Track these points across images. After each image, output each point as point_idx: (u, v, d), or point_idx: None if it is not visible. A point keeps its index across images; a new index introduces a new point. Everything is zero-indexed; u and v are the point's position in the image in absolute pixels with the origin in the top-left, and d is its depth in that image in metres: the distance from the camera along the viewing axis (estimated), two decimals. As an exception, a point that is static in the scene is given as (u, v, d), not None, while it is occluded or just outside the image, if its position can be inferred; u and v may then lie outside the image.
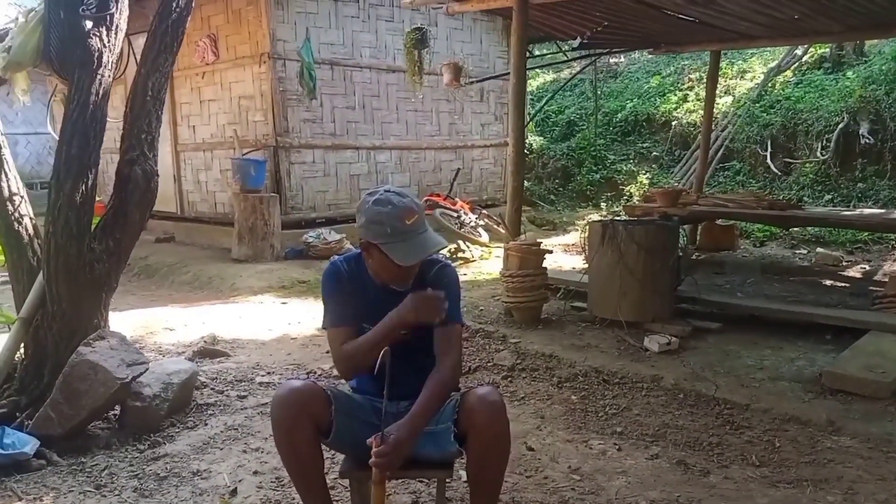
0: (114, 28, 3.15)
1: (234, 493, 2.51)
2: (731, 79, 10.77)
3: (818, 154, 8.75)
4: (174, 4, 3.24)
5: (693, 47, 7.21)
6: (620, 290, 4.22)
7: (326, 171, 7.48)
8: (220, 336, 4.49)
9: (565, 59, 7.94)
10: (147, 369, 3.05)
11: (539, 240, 5.12)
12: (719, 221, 6.92)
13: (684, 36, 6.42)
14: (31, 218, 3.30)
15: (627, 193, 10.00)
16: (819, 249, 6.91)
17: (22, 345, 3.16)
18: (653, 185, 9.75)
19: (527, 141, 7.45)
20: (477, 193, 8.93)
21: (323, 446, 1.95)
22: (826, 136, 8.74)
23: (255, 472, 2.66)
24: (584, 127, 11.65)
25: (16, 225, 3.24)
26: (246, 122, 7.35)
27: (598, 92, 11.91)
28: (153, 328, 4.76)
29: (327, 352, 4.13)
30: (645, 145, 10.88)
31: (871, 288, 5.04)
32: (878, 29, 5.77)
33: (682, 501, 2.43)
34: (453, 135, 8.69)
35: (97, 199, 3.19)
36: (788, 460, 2.72)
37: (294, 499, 2.44)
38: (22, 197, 3.27)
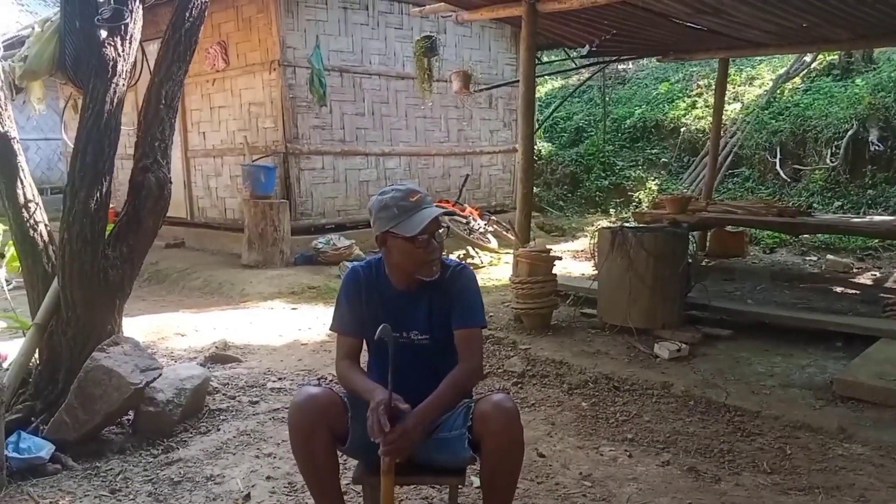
0: (128, 37, 3.20)
1: (247, 497, 2.53)
2: (739, 85, 10.76)
3: (828, 161, 8.73)
4: (187, 14, 3.29)
5: (701, 55, 7.21)
6: (630, 296, 4.22)
7: (336, 178, 7.52)
8: (232, 342, 4.52)
9: (574, 66, 7.96)
10: (160, 375, 3.08)
11: (548, 246, 5.13)
12: (729, 228, 6.90)
13: (693, 44, 6.43)
14: (45, 224, 3.34)
15: (636, 200, 9.99)
16: (829, 256, 6.88)
17: (37, 350, 3.20)
18: (661, 191, 9.74)
19: (535, 147, 7.45)
20: (486, 199, 8.96)
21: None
22: (835, 142, 8.71)
23: (268, 478, 2.68)
24: (593, 133, 11.67)
25: (31, 232, 3.27)
26: (256, 129, 7.40)
27: (607, 98, 11.93)
28: (165, 334, 4.80)
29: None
30: (653, 151, 10.88)
31: (881, 295, 5.02)
32: (887, 37, 5.77)
33: (694, 509, 2.43)
34: (462, 141, 8.72)
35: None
36: (800, 467, 2.71)
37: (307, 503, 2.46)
38: (37, 204, 3.31)
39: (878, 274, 6.25)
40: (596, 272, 4.87)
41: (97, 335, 3.09)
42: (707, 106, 10.28)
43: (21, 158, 3.26)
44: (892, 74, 8.87)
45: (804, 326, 4.28)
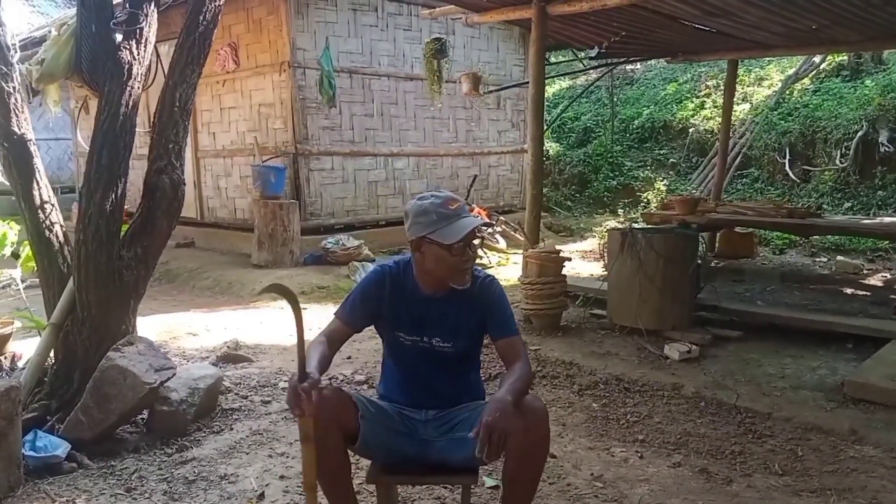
0: (143, 41, 3.24)
1: (261, 496, 2.55)
2: (748, 86, 10.73)
3: (837, 162, 8.69)
4: (201, 18, 3.32)
5: (710, 56, 7.20)
6: (640, 297, 4.22)
7: (345, 178, 7.55)
8: (243, 341, 4.55)
9: (582, 67, 7.96)
10: (174, 374, 3.11)
11: (556, 246, 5.14)
12: (738, 229, 6.89)
13: (702, 45, 6.42)
14: (61, 225, 3.38)
15: (644, 200, 9.98)
16: (839, 257, 6.86)
17: (52, 350, 3.23)
18: (670, 192, 9.73)
19: (544, 147, 7.46)
20: (494, 200, 8.97)
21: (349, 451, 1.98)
22: (845, 143, 8.67)
23: (282, 477, 2.70)
24: (601, 133, 11.65)
25: (47, 232, 3.31)
26: (266, 130, 7.44)
27: (615, 99, 11.91)
28: (176, 333, 4.83)
29: (348, 357, 4.18)
30: (662, 152, 10.86)
31: (892, 296, 5.00)
32: (896, 39, 5.74)
33: (706, 510, 2.43)
34: (470, 142, 8.74)
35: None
36: (811, 469, 2.71)
37: (320, 502, 2.48)
38: (53, 205, 3.35)
39: (888, 275, 6.22)
40: (605, 273, 4.88)
41: (112, 335, 3.13)
42: (716, 106, 10.26)
43: (37, 160, 3.30)
44: (903, 75, 8.83)
45: (814, 328, 4.27)
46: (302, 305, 6.12)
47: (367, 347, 4.26)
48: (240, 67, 7.57)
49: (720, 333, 4.27)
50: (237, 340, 4.55)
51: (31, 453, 2.70)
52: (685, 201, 6.17)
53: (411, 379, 2.10)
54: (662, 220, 6.12)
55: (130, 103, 3.15)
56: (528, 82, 5.12)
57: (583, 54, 7.13)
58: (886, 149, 8.23)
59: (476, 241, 1.98)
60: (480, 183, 8.62)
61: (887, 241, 7.00)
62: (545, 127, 9.57)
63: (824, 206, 8.10)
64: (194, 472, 2.74)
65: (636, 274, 4.23)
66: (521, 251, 5.59)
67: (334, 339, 2.04)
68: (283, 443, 3.01)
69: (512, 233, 7.75)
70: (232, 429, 3.16)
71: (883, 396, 3.23)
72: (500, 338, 2.00)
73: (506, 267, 7.01)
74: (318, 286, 6.23)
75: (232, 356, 4.19)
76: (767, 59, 10.56)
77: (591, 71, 9.92)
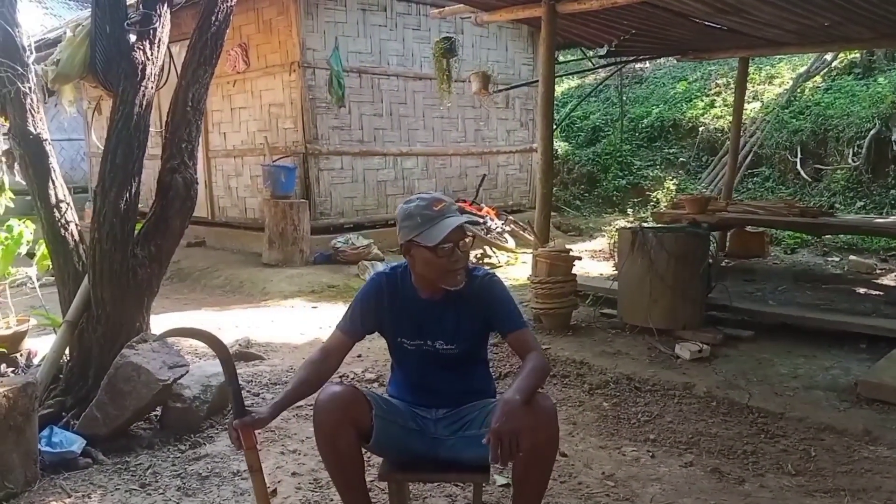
0: (156, 42, 3.27)
1: (274, 493, 2.56)
2: (759, 84, 10.65)
3: (849, 160, 8.61)
4: (213, 19, 3.35)
5: (721, 54, 7.16)
6: (651, 297, 4.21)
7: (354, 178, 7.58)
8: (254, 339, 4.58)
9: (591, 66, 7.95)
10: (187, 371, 3.14)
11: (566, 246, 5.13)
12: (749, 228, 6.85)
13: (712, 43, 6.38)
14: (76, 224, 3.41)
15: (654, 199, 9.93)
16: (852, 257, 6.80)
17: (67, 347, 3.27)
18: (680, 191, 9.68)
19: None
20: (502, 199, 8.97)
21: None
22: (857, 142, 8.59)
23: (294, 474, 2.72)
24: (610, 132, 11.61)
25: (62, 231, 3.35)
26: (276, 130, 7.48)
27: (624, 97, 11.87)
28: (188, 331, 4.86)
29: (358, 355, 4.20)
30: (671, 151, 10.81)
31: (906, 296, 4.96)
32: (911, 35, 5.68)
33: (718, 509, 2.43)
34: (479, 141, 8.74)
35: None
36: (825, 469, 2.70)
37: (332, 500, 2.50)
38: (68, 204, 3.39)
39: (902, 275, 6.17)
40: (616, 272, 4.86)
41: (126, 332, 3.16)
42: (726, 105, 10.19)
43: (53, 160, 3.34)
44: (916, 73, 8.75)
45: (827, 328, 4.24)
46: (312, 304, 6.12)
47: (377, 346, 4.27)
48: (250, 68, 7.62)
49: (732, 333, 4.25)
50: (248, 339, 4.57)
51: (48, 449, 2.73)
52: (696, 200, 6.14)
53: (419, 382, 2.10)
54: (673, 219, 6.09)
55: (144, 103, 3.18)
56: (537, 81, 5.12)
57: (592, 53, 7.12)
58: (900, 147, 8.15)
59: (467, 240, 1.95)
60: (489, 182, 8.62)
61: (900, 241, 6.94)
62: (555, 126, 9.57)
63: (836, 205, 8.04)
64: (207, 468, 2.77)
65: (647, 273, 4.22)
66: (529, 250, 5.59)
67: (332, 352, 2.05)
68: (295, 440, 3.03)
69: (521, 232, 7.74)
70: (244, 426, 3.18)
71: (897, 396, 3.21)
72: (509, 332, 1.99)
73: (514, 266, 7.01)
74: (329, 285, 6.26)
75: (243, 354, 4.22)
76: (779, 56, 10.48)
77: (600, 70, 9.90)
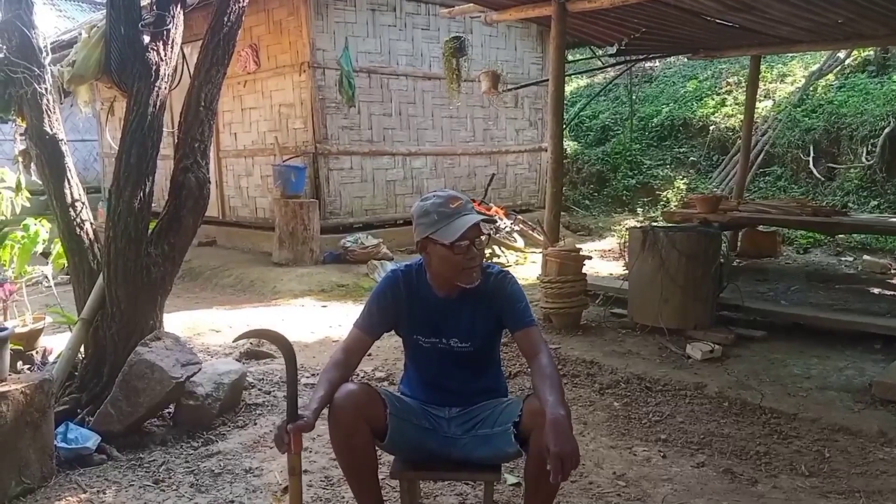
0: (170, 42, 3.30)
1: (285, 490, 2.57)
2: (770, 83, 10.58)
3: (863, 159, 8.53)
4: (225, 19, 3.37)
5: (732, 52, 7.11)
6: (662, 296, 4.19)
7: (364, 177, 7.60)
8: (265, 338, 4.60)
9: (601, 65, 7.92)
10: (200, 369, 3.16)
11: (576, 245, 5.12)
12: (761, 228, 6.80)
13: (724, 41, 6.34)
14: (91, 223, 3.45)
15: (664, 199, 9.89)
16: (866, 257, 6.74)
17: (82, 345, 3.31)
18: (690, 190, 9.63)
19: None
20: (511, 199, 8.96)
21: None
22: (871, 140, 8.51)
23: (305, 471, 2.72)
24: (619, 132, 11.57)
25: (77, 230, 3.38)
26: (286, 130, 7.52)
27: (634, 96, 11.82)
28: (200, 329, 4.91)
29: (368, 354, 4.20)
30: (682, 150, 10.75)
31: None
32: (927, 32, 5.61)
33: (730, 510, 2.42)
34: (488, 140, 8.74)
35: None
36: (839, 471, 2.68)
37: (343, 497, 2.51)
38: (83, 203, 3.42)
39: (916, 275, 6.11)
40: (626, 272, 4.85)
41: (140, 330, 3.19)
42: (737, 104, 10.13)
43: (68, 159, 3.37)
44: (931, 70, 8.65)
45: (841, 328, 4.21)
46: (322, 303, 6.15)
47: (386, 345, 4.28)
48: (260, 68, 7.66)
49: (744, 333, 4.23)
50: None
51: (63, 445, 2.76)
52: (707, 200, 6.11)
53: (432, 379, 2.11)
54: (684, 218, 6.06)
55: (158, 103, 3.21)
56: (546, 80, 5.11)
57: (602, 52, 7.10)
58: (914, 146, 8.06)
59: (483, 238, 1.95)
60: (498, 182, 8.62)
61: (915, 240, 6.87)
62: (565, 126, 9.55)
63: (850, 205, 7.97)
64: (220, 465, 2.79)
65: (658, 273, 4.21)
66: (538, 250, 5.59)
67: (354, 351, 2.04)
68: (307, 438, 3.01)
69: (530, 231, 7.73)
70: (256, 423, 3.21)
71: (912, 397, 3.18)
72: (517, 330, 1.99)
73: (523, 266, 7.00)
74: (338, 284, 6.28)
75: (255, 352, 4.24)
76: (791, 54, 10.40)
77: (610, 69, 9.86)
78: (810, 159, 8.97)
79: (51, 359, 3.72)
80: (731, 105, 10.53)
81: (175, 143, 3.37)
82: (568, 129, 11.33)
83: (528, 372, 3.84)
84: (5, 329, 2.67)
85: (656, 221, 7.81)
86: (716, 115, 10.58)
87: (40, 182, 3.42)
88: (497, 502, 2.43)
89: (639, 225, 6.28)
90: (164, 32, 3.26)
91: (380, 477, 2.24)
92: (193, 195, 3.30)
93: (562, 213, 6.77)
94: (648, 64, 12.36)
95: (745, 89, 7.89)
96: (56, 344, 3.91)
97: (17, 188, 4.16)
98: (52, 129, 3.28)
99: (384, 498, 2.20)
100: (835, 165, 8.91)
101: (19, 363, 3.66)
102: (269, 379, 3.79)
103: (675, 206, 8.48)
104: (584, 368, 3.83)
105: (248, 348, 4.31)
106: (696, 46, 6.68)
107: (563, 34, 4.68)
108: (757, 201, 6.91)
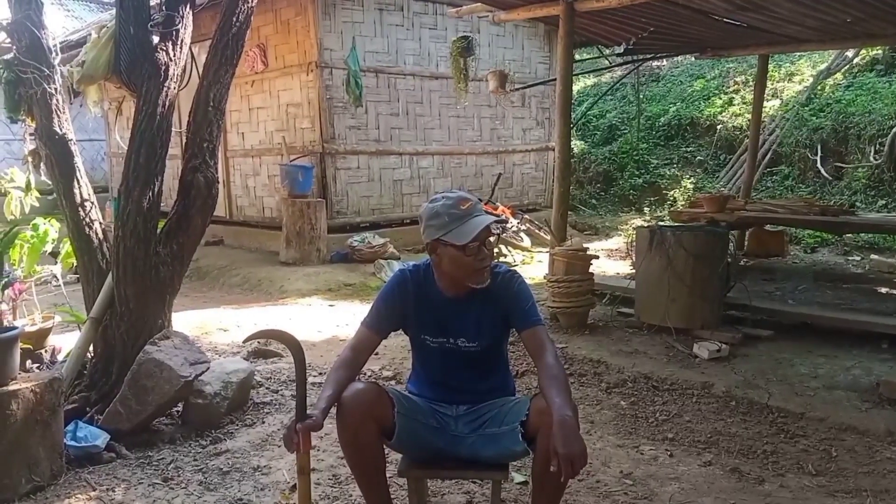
0: (179, 43, 3.32)
1: (293, 488, 2.59)
2: (778, 82, 10.53)
3: (871, 158, 8.48)
4: (234, 19, 3.39)
5: (740, 51, 7.08)
6: (669, 296, 4.18)
7: (371, 177, 7.62)
8: (272, 337, 4.62)
9: (608, 64, 7.92)
10: (208, 368, 3.18)
11: (583, 245, 5.12)
12: (768, 227, 6.77)
13: (731, 40, 6.32)
14: (100, 223, 3.47)
15: (671, 198, 9.86)
16: (873, 256, 6.71)
17: (91, 343, 3.33)
18: (697, 190, 9.59)
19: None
20: (518, 198, 8.95)
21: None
22: (879, 139, 8.46)
23: (313, 470, 2.73)
24: (626, 131, 11.55)
25: (87, 230, 3.40)
26: (293, 129, 7.54)
27: (641, 96, 11.79)
28: (208, 329, 4.93)
29: (375, 353, 4.20)
30: (689, 150, 10.72)
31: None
32: (936, 31, 5.58)
33: (738, 509, 2.41)
34: (495, 140, 8.74)
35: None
36: (846, 470, 2.68)
37: (351, 496, 2.52)
38: (92, 203, 3.44)
39: (925, 275, 6.07)
40: (633, 271, 4.84)
41: (149, 329, 3.21)
42: (744, 103, 10.09)
43: (77, 159, 3.40)
44: (941, 69, 8.59)
45: (848, 327, 4.19)
46: (329, 302, 6.18)
47: (393, 344, 4.29)
48: (268, 68, 7.68)
49: (751, 332, 4.21)
50: (267, 336, 4.61)
51: (73, 443, 2.79)
52: (714, 199, 6.08)
53: (440, 379, 2.12)
54: (691, 218, 6.04)
55: (167, 103, 3.23)
56: (554, 80, 5.12)
57: (609, 51, 7.08)
58: (923, 145, 8.01)
59: (492, 239, 1.96)
60: (505, 181, 8.62)
61: (924, 240, 6.82)
62: (572, 125, 9.53)
63: (857, 204, 7.93)
64: (228, 463, 2.81)
65: (665, 272, 4.20)
66: (545, 249, 5.59)
67: (361, 350, 2.05)
68: (314, 437, 3.03)
69: (536, 231, 7.74)
70: (264, 422, 3.22)
71: (920, 397, 3.16)
72: (524, 329, 1.99)
73: (530, 265, 7.00)
74: (345, 283, 6.30)
75: (262, 351, 4.26)
76: (798, 53, 10.35)
77: (617, 68, 9.85)
78: (818, 158, 8.93)
79: (60, 358, 3.75)
80: (738, 104, 10.49)
81: (183, 143, 3.39)
82: (575, 128, 11.31)
83: (534, 371, 3.87)
84: (15, 328, 2.70)
85: (663, 221, 7.79)
86: (723, 114, 10.54)
87: (49, 182, 3.44)
88: (504, 501, 2.44)
89: (646, 224, 6.26)
90: (174, 32, 3.28)
91: (387, 475, 2.25)
92: (202, 195, 3.32)
93: (569, 213, 6.79)
94: (655, 63, 12.33)
95: (752, 88, 7.85)
96: (65, 343, 3.94)
97: (27, 188, 4.20)
98: (61, 129, 3.30)
99: (392, 496, 2.21)
100: (842, 165, 8.87)
101: (28, 362, 3.68)
102: (276, 378, 3.81)
103: (683, 205, 8.45)
104: (591, 367, 3.83)
105: (256, 347, 4.33)
106: (703, 46, 6.67)
107: (571, 34, 4.69)
108: (764, 201, 6.89)
